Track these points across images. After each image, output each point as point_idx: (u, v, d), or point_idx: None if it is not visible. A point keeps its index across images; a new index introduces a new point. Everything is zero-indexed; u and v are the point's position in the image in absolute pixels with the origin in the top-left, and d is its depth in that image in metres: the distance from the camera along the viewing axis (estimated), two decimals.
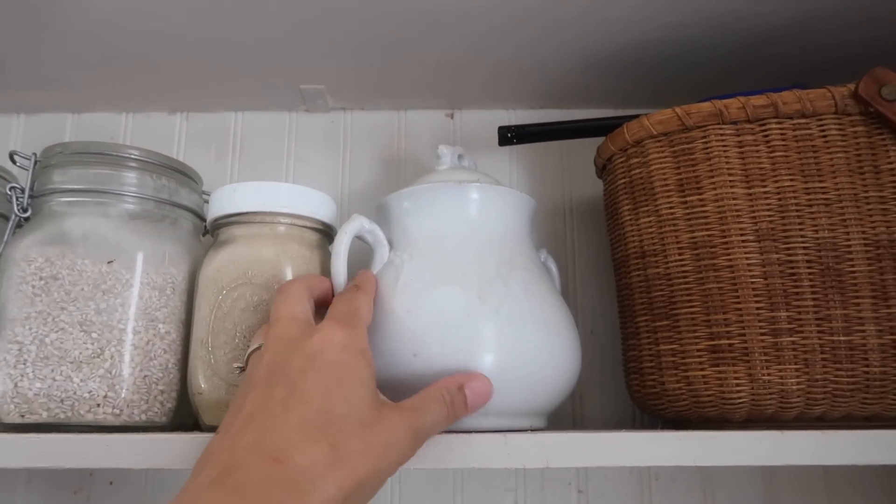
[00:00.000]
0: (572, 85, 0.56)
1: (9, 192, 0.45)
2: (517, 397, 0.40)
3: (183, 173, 0.49)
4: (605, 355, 0.53)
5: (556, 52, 0.51)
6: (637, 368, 0.44)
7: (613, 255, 0.48)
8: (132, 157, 0.46)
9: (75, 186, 0.45)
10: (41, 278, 0.42)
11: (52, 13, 0.47)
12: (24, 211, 0.45)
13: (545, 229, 0.57)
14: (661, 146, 0.43)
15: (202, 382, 0.42)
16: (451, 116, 0.60)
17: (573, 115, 0.58)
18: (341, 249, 0.41)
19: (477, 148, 0.58)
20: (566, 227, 0.57)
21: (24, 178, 0.46)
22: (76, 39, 0.50)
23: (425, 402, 0.33)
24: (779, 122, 0.41)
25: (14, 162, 0.47)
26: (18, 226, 0.45)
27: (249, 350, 0.36)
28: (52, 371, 0.41)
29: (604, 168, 0.49)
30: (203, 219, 0.50)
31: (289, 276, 0.43)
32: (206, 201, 0.49)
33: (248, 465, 0.27)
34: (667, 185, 0.43)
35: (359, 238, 0.43)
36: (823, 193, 0.40)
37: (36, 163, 0.47)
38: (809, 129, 0.40)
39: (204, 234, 0.50)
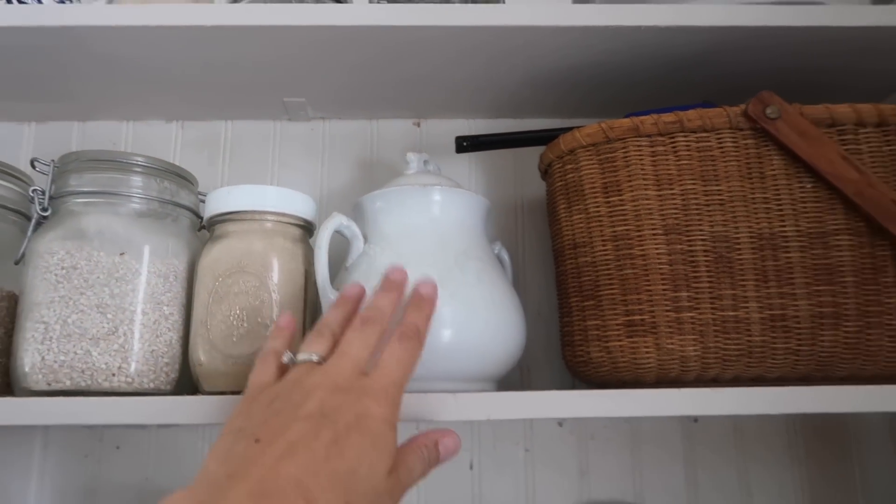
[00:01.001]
0: (524, 99, 0.64)
1: (31, 195, 0.52)
2: (468, 365, 0.48)
3: (182, 177, 0.56)
4: (550, 334, 0.62)
5: (507, 72, 0.59)
6: (570, 341, 0.53)
7: (553, 246, 0.56)
8: (138, 163, 0.53)
9: (90, 189, 0.52)
10: (62, 268, 0.49)
11: (65, 39, 0.53)
12: (45, 210, 0.52)
13: (499, 225, 0.65)
14: (590, 154, 0.51)
15: (202, 356, 0.50)
16: (418, 125, 0.68)
17: (525, 124, 0.66)
18: (323, 243, 0.49)
19: (441, 153, 0.66)
20: (517, 223, 0.65)
21: (40, 182, 0.53)
22: (85, 60, 0.57)
23: (412, 461, 0.37)
24: (685, 136, 0.49)
25: (34, 168, 0.54)
26: (38, 223, 0.52)
27: (304, 356, 0.39)
28: (74, 346, 0.48)
29: (545, 172, 0.57)
30: (199, 216, 0.57)
31: (275, 266, 0.51)
32: (202, 201, 0.57)
33: (285, 497, 0.29)
34: (594, 187, 0.51)
35: (338, 232, 0.51)
36: (718, 195, 0.48)
37: (54, 168, 0.54)
38: (709, 141, 0.49)
39: (199, 230, 0.58)
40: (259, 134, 0.68)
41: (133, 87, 0.62)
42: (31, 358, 0.48)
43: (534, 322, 0.59)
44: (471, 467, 0.61)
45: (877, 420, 0.62)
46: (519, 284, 0.61)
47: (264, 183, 0.65)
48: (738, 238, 0.47)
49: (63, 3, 0.59)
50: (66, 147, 0.67)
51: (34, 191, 0.53)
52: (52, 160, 0.53)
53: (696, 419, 0.62)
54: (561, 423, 0.62)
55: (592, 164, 0.51)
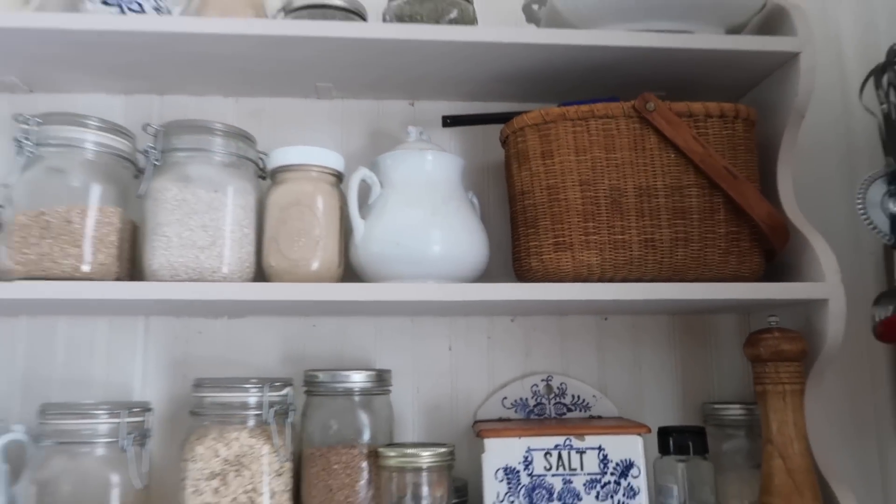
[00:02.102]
0: (490, 89, 0.88)
1: (146, 149, 0.75)
2: (449, 269, 0.73)
3: (249, 138, 0.79)
4: (505, 254, 0.86)
5: (479, 70, 0.83)
6: (517, 257, 0.78)
7: (508, 194, 0.81)
8: (221, 129, 0.77)
9: (190, 147, 0.75)
10: (175, 200, 0.73)
11: (156, 38, 0.75)
12: (157, 161, 0.75)
13: (471, 179, 0.89)
14: (533, 131, 0.76)
15: (272, 260, 0.74)
16: (412, 105, 0.92)
17: (491, 107, 0.90)
18: (353, 186, 0.74)
19: (430, 126, 0.89)
20: (484, 178, 0.90)
21: (140, 140, 0.75)
22: (168, 53, 0.79)
23: None
24: (595, 121, 0.74)
25: (145, 131, 0.77)
26: (142, 172, 0.75)
27: None
28: (187, 253, 0.72)
29: (503, 142, 0.82)
30: (259, 166, 0.81)
31: (320, 201, 0.75)
32: (261, 157, 0.80)
33: None
34: (535, 153, 0.76)
35: (362, 180, 0.75)
36: (615, 160, 0.73)
37: (159, 132, 0.76)
38: (610, 125, 0.74)
39: (261, 178, 0.81)
40: (295, 108, 0.91)
41: (200, 71, 0.84)
42: (158, 260, 0.72)
43: (495, 246, 0.84)
44: (450, 349, 0.87)
45: (726, 319, 0.90)
46: (484, 219, 0.85)
47: (298, 144, 0.88)
48: (626, 189, 0.73)
49: (158, 10, 0.81)
50: (148, 115, 0.89)
51: (149, 147, 0.76)
52: (160, 126, 0.76)
53: (605, 318, 0.89)
54: (513, 319, 0.88)
55: (535, 137, 0.76)
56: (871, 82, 0.81)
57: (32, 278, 0.70)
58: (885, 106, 0.79)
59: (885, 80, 0.79)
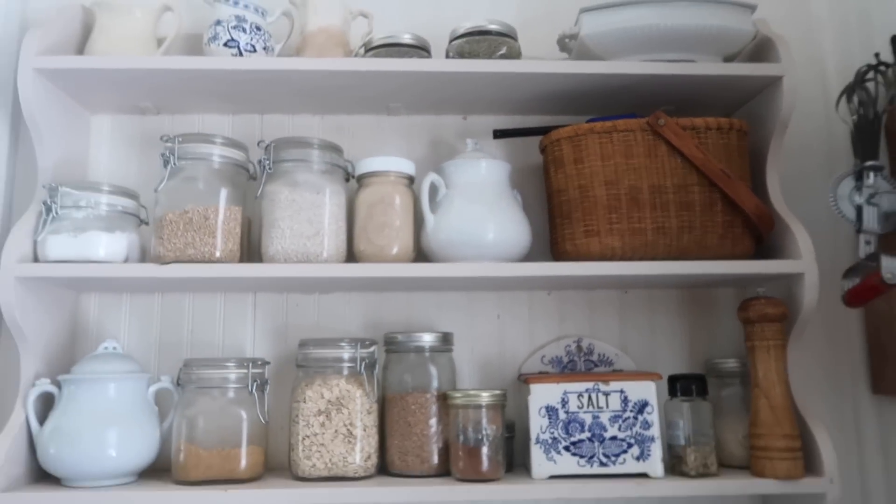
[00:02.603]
0: (531, 106, 1.08)
1: (260, 159, 0.96)
2: (500, 251, 0.93)
3: (338, 150, 1.00)
4: (544, 242, 1.06)
5: (522, 92, 1.02)
6: (554, 242, 0.98)
7: (546, 191, 1.01)
8: (318, 143, 0.97)
9: (296, 158, 0.96)
10: (287, 200, 0.94)
11: (261, 74, 0.96)
12: (270, 169, 0.96)
13: (518, 179, 1.08)
14: (567, 142, 0.95)
15: (362, 246, 0.95)
16: (465, 119, 1.12)
17: (532, 120, 1.10)
18: (425, 187, 0.94)
19: (481, 136, 1.08)
20: (526, 177, 1.09)
21: (253, 153, 0.96)
22: (269, 82, 0.99)
23: None
24: (617, 133, 0.93)
25: (259, 146, 0.97)
26: (254, 178, 0.96)
27: None
28: (296, 241, 0.92)
29: (543, 150, 1.01)
30: (347, 171, 1.01)
31: (397, 199, 0.95)
32: (348, 164, 1.00)
33: None
34: (569, 160, 0.95)
35: (432, 183, 0.95)
36: (633, 165, 0.92)
37: (270, 147, 0.97)
38: (629, 137, 0.93)
39: (346, 181, 1.01)
40: (370, 123, 1.11)
41: (295, 96, 1.05)
42: (275, 247, 0.92)
43: (534, 233, 1.03)
44: (498, 317, 1.07)
45: (726, 292, 1.09)
46: (525, 211, 1.05)
47: (374, 154, 1.08)
48: (641, 187, 0.92)
49: (266, 49, 1.01)
50: (251, 131, 1.10)
51: (263, 158, 0.96)
52: (272, 141, 0.97)
53: (626, 292, 1.08)
54: (549, 293, 1.08)
55: (569, 147, 0.95)
56: (844, 98, 0.99)
57: (179, 261, 0.91)
58: (854, 117, 0.97)
59: (854, 96, 0.97)
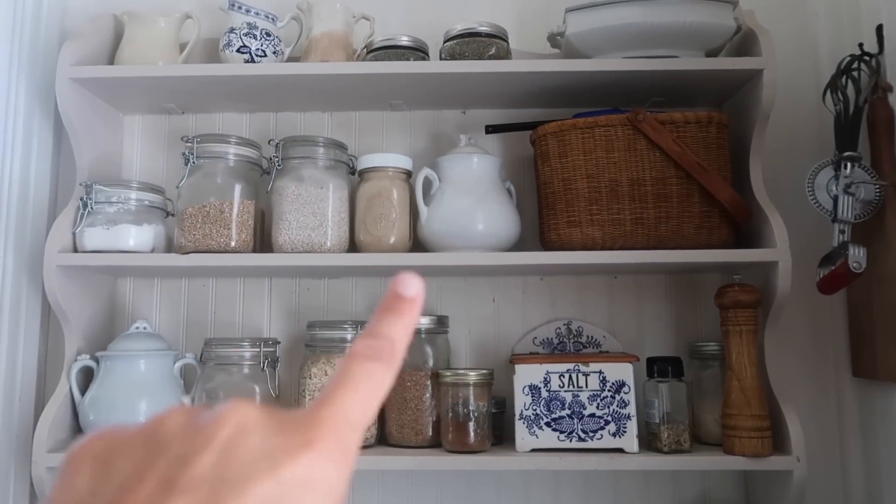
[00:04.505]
0: (524, 100, 1.13)
1: (271, 156, 1.05)
2: (490, 241, 1.00)
3: (342, 146, 1.08)
4: (532, 230, 1.12)
5: (513, 88, 1.08)
6: (542, 231, 1.04)
7: (536, 183, 1.07)
8: (323, 141, 1.05)
9: (302, 155, 1.04)
10: (294, 194, 1.02)
11: (273, 77, 1.04)
12: (279, 165, 1.05)
13: (514, 170, 1.15)
14: (552, 137, 1.01)
15: (362, 236, 1.03)
16: (464, 113, 1.18)
17: (525, 113, 1.15)
18: (419, 181, 1.01)
19: (478, 129, 1.15)
20: (520, 168, 1.15)
21: (265, 150, 1.05)
22: (281, 84, 1.08)
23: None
24: (599, 128, 0.98)
25: (269, 144, 1.06)
26: (267, 173, 1.05)
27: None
28: (301, 231, 1.01)
29: (532, 144, 1.07)
30: (350, 166, 1.09)
31: (395, 193, 1.03)
32: (351, 159, 1.08)
33: None
34: (554, 154, 1.01)
35: (426, 177, 1.03)
36: (613, 158, 0.98)
37: (279, 145, 1.06)
38: (610, 132, 0.98)
39: (351, 175, 1.09)
40: (374, 118, 1.19)
41: (305, 95, 1.13)
42: (283, 237, 1.02)
43: (529, 221, 1.10)
44: (493, 301, 1.14)
45: (710, 278, 1.13)
46: (520, 201, 1.11)
47: (378, 148, 1.16)
48: (621, 180, 0.97)
49: (276, 54, 1.09)
50: (266, 128, 1.19)
51: (273, 156, 1.05)
52: (281, 140, 1.06)
53: (615, 277, 1.14)
54: (542, 278, 1.14)
55: (554, 142, 1.01)
56: (830, 90, 1.01)
57: (198, 251, 1.01)
58: (838, 106, 0.99)
59: (838, 88, 0.99)
